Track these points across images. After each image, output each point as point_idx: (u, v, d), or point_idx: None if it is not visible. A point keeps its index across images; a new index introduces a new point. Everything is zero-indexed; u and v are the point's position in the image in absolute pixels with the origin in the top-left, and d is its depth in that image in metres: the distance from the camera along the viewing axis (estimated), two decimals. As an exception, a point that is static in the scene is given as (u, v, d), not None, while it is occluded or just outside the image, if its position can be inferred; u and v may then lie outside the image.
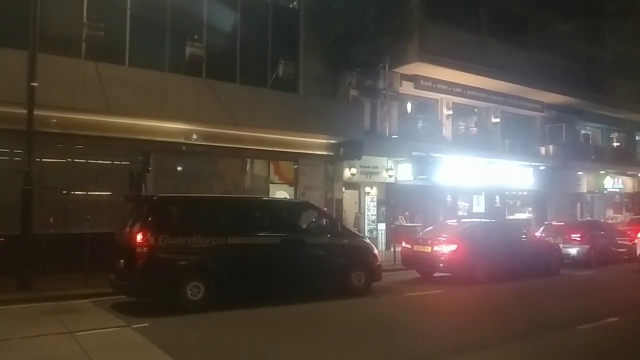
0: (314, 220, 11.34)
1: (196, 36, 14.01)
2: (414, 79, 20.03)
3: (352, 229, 14.27)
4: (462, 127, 23.25)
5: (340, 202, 17.91)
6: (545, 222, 20.58)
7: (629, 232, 18.76)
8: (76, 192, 13.34)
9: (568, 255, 16.05)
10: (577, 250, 16.38)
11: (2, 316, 8.53)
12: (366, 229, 18.92)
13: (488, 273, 12.81)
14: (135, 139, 13.42)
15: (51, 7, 12.44)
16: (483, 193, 23.11)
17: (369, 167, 18.67)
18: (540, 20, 23.55)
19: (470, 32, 20.64)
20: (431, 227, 15.80)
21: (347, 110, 16.94)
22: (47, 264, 10.70)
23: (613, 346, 7.47)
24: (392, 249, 16.30)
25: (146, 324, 8.02)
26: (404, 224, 19.85)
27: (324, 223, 11.42)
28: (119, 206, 11.63)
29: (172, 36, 14.49)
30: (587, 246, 16.44)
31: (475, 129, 23.73)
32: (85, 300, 9.85)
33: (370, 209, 19.43)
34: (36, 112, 10.76)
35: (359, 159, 17.50)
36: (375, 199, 19.42)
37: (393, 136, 19.08)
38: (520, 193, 25.26)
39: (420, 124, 21.65)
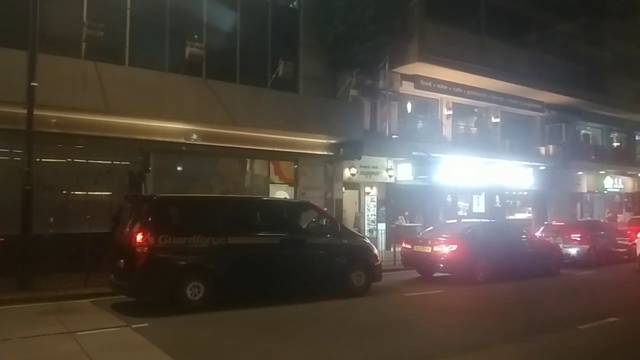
0: (313, 220, 11.34)
1: (196, 36, 14.02)
2: (414, 78, 20.03)
3: (352, 229, 14.26)
4: (462, 127, 23.25)
5: (340, 202, 17.91)
6: (545, 222, 20.59)
7: (628, 232, 18.76)
8: (76, 192, 13.34)
9: (568, 255, 16.04)
10: (577, 250, 16.38)
11: (2, 316, 8.52)
12: (366, 229, 18.91)
13: (488, 273, 12.81)
14: (135, 139, 13.43)
15: (51, 7, 12.42)
16: (483, 193, 23.12)
17: (368, 167, 18.67)
18: (540, 20, 23.55)
19: (470, 32, 20.64)
20: (431, 227, 15.81)
21: (347, 110, 16.93)
22: (47, 264, 10.69)
23: (613, 346, 7.46)
24: (392, 249, 16.30)
25: (146, 324, 8.02)
26: (404, 224, 19.84)
27: (324, 223, 11.42)
28: (119, 206, 11.64)
29: (172, 36, 14.49)
30: (587, 246, 16.44)
31: (475, 129, 23.74)
32: (85, 300, 9.85)
33: (370, 209, 19.42)
34: (36, 112, 10.76)
35: (359, 159, 17.51)
36: (375, 199, 19.42)
37: (393, 136, 19.09)
38: (520, 193, 25.27)
39: (420, 124, 21.65)
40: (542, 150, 25.33)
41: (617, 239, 18.19)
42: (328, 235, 10.89)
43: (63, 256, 11.05)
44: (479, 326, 8.34)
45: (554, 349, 7.19)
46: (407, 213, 20.42)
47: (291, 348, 7.04)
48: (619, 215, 29.61)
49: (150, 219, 9.10)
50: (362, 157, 17.50)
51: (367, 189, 19.42)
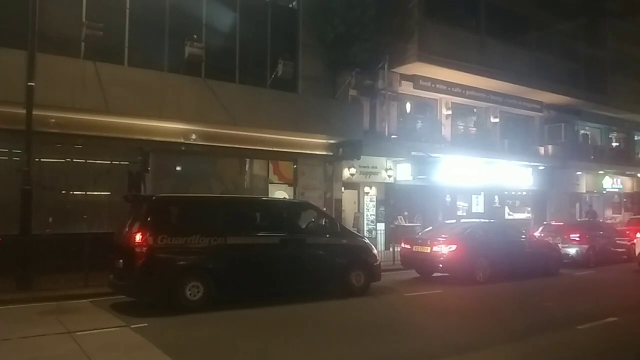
0: (313, 220, 11.34)
1: (195, 36, 13.99)
2: (413, 78, 20.04)
3: (352, 229, 14.25)
4: (461, 127, 23.27)
5: (339, 202, 17.90)
6: (545, 222, 20.61)
7: (627, 232, 18.78)
8: (75, 192, 13.31)
9: (567, 255, 16.08)
10: (576, 250, 16.40)
11: (1, 316, 8.52)
12: (365, 228, 18.92)
13: (487, 273, 12.83)
14: (134, 139, 13.41)
15: (50, 6, 12.40)
16: (482, 193, 23.13)
17: (368, 167, 18.67)
18: (540, 20, 23.57)
19: (469, 32, 20.66)
20: (430, 227, 15.81)
21: (346, 110, 16.93)
22: (46, 264, 10.68)
23: (612, 346, 7.48)
24: (391, 249, 16.32)
25: (145, 324, 8.02)
26: (403, 224, 19.86)
27: (323, 223, 11.42)
28: (118, 206, 11.63)
29: (171, 36, 14.47)
30: (586, 246, 16.47)
31: (474, 128, 23.75)
32: (84, 300, 9.84)
33: (370, 209, 19.43)
34: (35, 112, 10.76)
35: (358, 158, 17.49)
36: (375, 199, 19.43)
37: (392, 136, 19.10)
38: (520, 193, 25.29)
39: (420, 123, 21.66)
40: (541, 150, 25.35)
41: (616, 238, 18.22)
42: (327, 235, 10.89)
43: (62, 256, 11.03)
44: (478, 326, 8.35)
45: (553, 349, 7.19)
46: (406, 213, 20.43)
47: (291, 348, 7.04)
48: (615, 215, 29.61)
49: (149, 219, 9.10)
50: (362, 157, 17.47)
51: (367, 189, 19.43)
